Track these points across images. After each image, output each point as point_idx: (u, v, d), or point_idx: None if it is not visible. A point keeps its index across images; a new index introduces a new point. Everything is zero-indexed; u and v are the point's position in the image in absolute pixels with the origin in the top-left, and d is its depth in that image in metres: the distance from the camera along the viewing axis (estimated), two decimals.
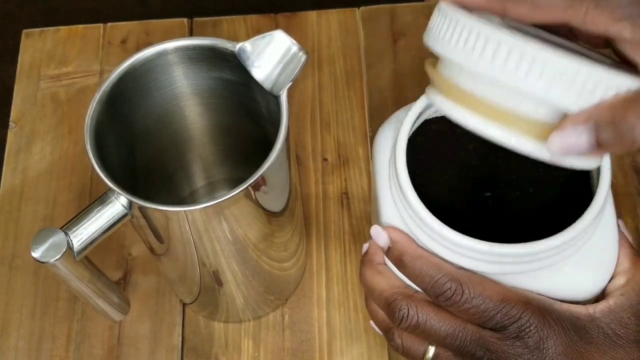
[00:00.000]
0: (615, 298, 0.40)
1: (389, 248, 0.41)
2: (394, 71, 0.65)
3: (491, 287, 0.39)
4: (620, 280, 0.41)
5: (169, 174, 0.54)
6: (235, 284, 0.50)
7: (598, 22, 0.32)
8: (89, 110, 0.42)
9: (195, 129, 0.52)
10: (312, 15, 0.68)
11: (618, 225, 0.43)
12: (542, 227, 0.40)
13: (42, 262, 0.40)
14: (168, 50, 0.45)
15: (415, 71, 0.65)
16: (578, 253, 0.41)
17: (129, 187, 0.41)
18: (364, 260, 0.43)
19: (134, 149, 0.48)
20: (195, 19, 0.68)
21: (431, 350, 0.41)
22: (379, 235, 0.42)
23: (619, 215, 0.56)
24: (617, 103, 0.32)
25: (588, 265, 0.42)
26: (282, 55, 0.42)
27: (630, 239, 0.43)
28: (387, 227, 0.42)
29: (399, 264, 0.41)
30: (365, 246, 0.43)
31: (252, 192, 0.42)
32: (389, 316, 0.41)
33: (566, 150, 0.32)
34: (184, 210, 0.41)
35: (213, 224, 0.43)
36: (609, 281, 0.42)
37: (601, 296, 0.41)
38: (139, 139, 0.48)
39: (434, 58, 0.38)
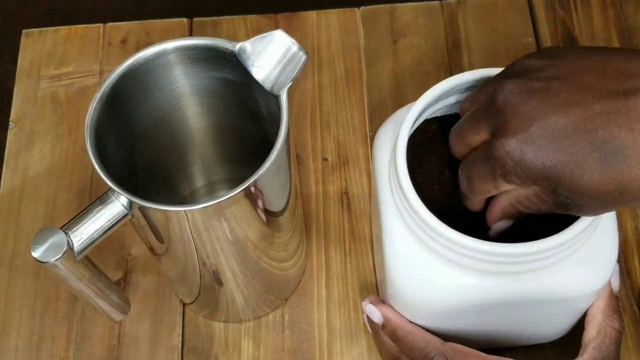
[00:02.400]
0: (589, 353, 0.44)
1: (383, 324, 0.47)
2: (394, 71, 0.65)
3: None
4: (592, 332, 0.45)
5: (169, 173, 0.54)
6: (235, 283, 0.50)
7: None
8: (89, 110, 0.42)
9: (196, 129, 0.52)
10: (312, 15, 0.68)
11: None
12: (543, 226, 0.40)
13: (42, 262, 0.40)
14: (168, 50, 0.45)
15: (415, 71, 0.65)
16: (578, 252, 0.41)
17: (129, 187, 0.41)
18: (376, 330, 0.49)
19: (134, 149, 0.48)
20: (195, 19, 0.68)
21: None
22: (373, 313, 0.48)
23: (619, 215, 0.56)
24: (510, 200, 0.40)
25: (588, 265, 0.42)
26: (282, 55, 0.42)
27: (616, 285, 0.46)
28: (379, 305, 0.47)
29: (394, 337, 0.47)
30: (367, 308, 0.48)
31: (252, 192, 0.42)
32: None
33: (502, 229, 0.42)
34: (184, 210, 0.41)
35: (213, 224, 0.43)
36: (584, 331, 0.45)
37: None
38: (139, 138, 0.48)
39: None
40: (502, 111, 0.37)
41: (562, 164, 0.35)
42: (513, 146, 0.36)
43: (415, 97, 0.43)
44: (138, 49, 0.54)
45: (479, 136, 0.39)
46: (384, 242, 0.44)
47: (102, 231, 0.42)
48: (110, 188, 0.41)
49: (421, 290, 0.43)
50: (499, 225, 0.42)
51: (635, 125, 0.34)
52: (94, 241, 0.42)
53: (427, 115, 0.45)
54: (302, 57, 0.42)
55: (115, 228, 0.42)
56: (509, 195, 0.39)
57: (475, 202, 0.41)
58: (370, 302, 0.48)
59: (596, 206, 0.36)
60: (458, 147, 0.41)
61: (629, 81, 0.35)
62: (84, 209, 0.42)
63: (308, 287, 0.57)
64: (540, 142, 0.35)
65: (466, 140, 0.40)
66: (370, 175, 0.60)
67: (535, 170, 0.36)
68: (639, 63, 0.35)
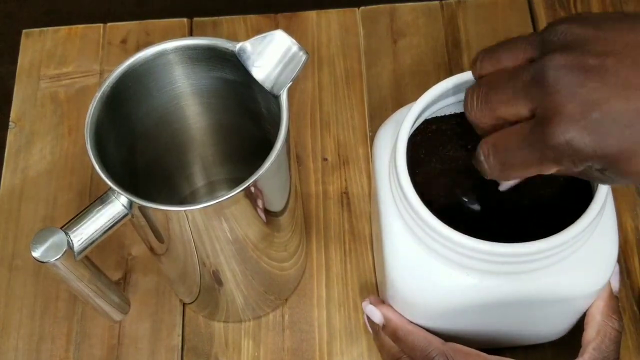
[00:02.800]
0: (588, 353, 0.44)
1: (383, 325, 0.47)
2: (394, 71, 0.65)
3: None
4: (592, 332, 0.45)
5: (169, 173, 0.54)
6: (235, 283, 0.50)
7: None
8: (89, 110, 0.42)
9: (196, 128, 0.52)
10: (312, 15, 0.68)
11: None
12: (543, 226, 0.40)
13: (42, 262, 0.40)
14: (168, 50, 0.45)
15: (415, 71, 0.65)
16: (578, 252, 0.41)
17: (129, 186, 0.41)
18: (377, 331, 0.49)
19: (134, 149, 0.48)
20: (195, 19, 0.68)
21: None
22: (373, 314, 0.48)
23: (619, 215, 0.56)
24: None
25: (588, 265, 0.42)
26: (282, 55, 0.42)
27: (616, 285, 0.46)
28: (379, 306, 0.47)
29: (394, 338, 0.47)
30: (367, 309, 0.48)
31: (252, 192, 0.42)
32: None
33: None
34: (184, 210, 0.41)
35: (213, 224, 0.43)
36: (584, 331, 0.45)
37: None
38: (139, 138, 0.48)
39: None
40: (556, 92, 0.34)
41: (621, 151, 0.33)
42: (573, 134, 0.33)
43: (415, 97, 0.43)
44: (138, 49, 0.54)
45: (514, 111, 0.36)
46: (384, 242, 0.44)
47: (102, 231, 0.42)
48: (110, 188, 0.41)
49: (421, 290, 0.43)
50: (512, 182, 0.40)
51: None
52: (94, 241, 0.42)
53: (427, 115, 0.45)
54: (302, 57, 0.42)
55: (115, 228, 0.42)
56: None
57: (506, 182, 0.39)
58: (371, 303, 0.48)
59: (632, 182, 0.35)
60: (483, 117, 0.37)
61: None
62: (84, 209, 0.42)
63: (308, 287, 0.57)
64: (603, 130, 0.33)
65: (497, 111, 0.36)
66: (370, 175, 0.60)
67: (593, 155, 0.34)
68: None
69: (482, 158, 0.38)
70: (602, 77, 0.33)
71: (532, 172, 0.36)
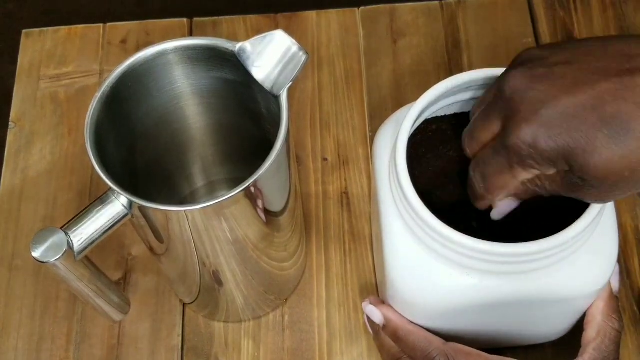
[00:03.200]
0: (588, 353, 0.44)
1: (384, 325, 0.47)
2: (394, 71, 0.65)
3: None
4: (592, 333, 0.45)
5: (169, 173, 0.54)
6: (235, 283, 0.50)
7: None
8: (89, 110, 0.42)
9: (196, 129, 0.52)
10: (312, 15, 0.68)
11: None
12: (543, 226, 0.40)
13: (43, 262, 0.40)
14: (168, 50, 0.45)
15: (415, 71, 0.65)
16: (578, 252, 0.41)
17: (129, 187, 0.41)
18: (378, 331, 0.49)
19: (134, 149, 0.48)
20: (195, 19, 0.68)
21: None
22: (373, 314, 0.48)
23: (619, 215, 0.56)
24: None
25: (588, 265, 0.42)
26: (282, 55, 0.42)
27: (616, 285, 0.46)
28: (379, 306, 0.47)
29: (395, 338, 0.47)
30: (368, 309, 0.48)
31: (252, 192, 0.42)
32: None
33: (505, 213, 0.42)
34: (184, 210, 0.41)
35: (213, 224, 0.43)
36: (584, 331, 0.45)
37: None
38: (139, 138, 0.48)
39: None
40: (510, 99, 0.37)
41: (574, 142, 0.35)
42: (525, 131, 0.36)
43: (415, 97, 0.43)
44: (138, 49, 0.54)
45: (490, 131, 0.39)
46: (384, 242, 0.44)
47: (102, 231, 0.42)
48: (110, 188, 0.41)
49: (421, 290, 0.43)
50: (504, 206, 0.41)
51: None
52: (94, 241, 0.42)
53: (428, 115, 0.45)
54: (302, 57, 0.42)
55: (115, 228, 0.42)
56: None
57: (492, 201, 0.41)
58: (371, 303, 0.48)
59: (606, 188, 0.36)
60: (471, 147, 0.41)
61: (632, 60, 0.36)
62: (84, 209, 0.42)
63: (308, 287, 0.57)
64: (552, 123, 0.36)
65: (479, 138, 0.40)
66: (370, 175, 0.60)
67: (550, 151, 0.36)
68: (638, 44, 0.36)
69: (470, 174, 0.41)
70: (550, 81, 0.36)
71: (507, 180, 0.39)
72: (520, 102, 0.37)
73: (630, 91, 0.35)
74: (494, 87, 0.39)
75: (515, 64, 0.39)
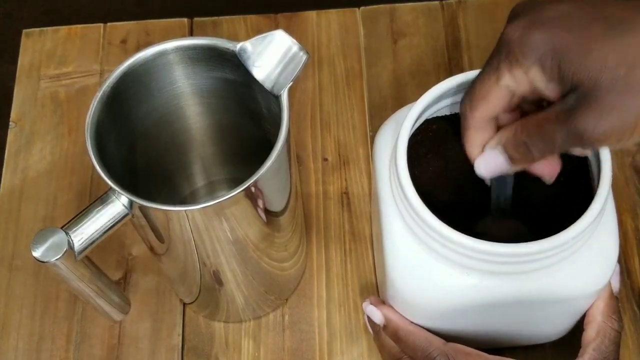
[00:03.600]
0: (588, 354, 0.44)
1: (384, 325, 0.47)
2: (394, 71, 0.65)
3: None
4: (592, 333, 0.45)
5: (169, 173, 0.54)
6: (235, 283, 0.50)
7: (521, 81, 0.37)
8: (90, 110, 0.42)
9: (196, 129, 0.52)
10: (312, 15, 0.68)
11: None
12: (544, 226, 0.40)
13: (43, 262, 0.40)
14: (168, 50, 0.45)
15: (415, 71, 0.65)
16: (578, 252, 0.41)
17: (130, 186, 0.41)
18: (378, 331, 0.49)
19: (134, 149, 0.48)
20: (195, 19, 0.68)
21: None
22: (374, 314, 0.48)
23: (619, 215, 0.56)
24: (516, 127, 0.38)
25: (588, 265, 0.42)
26: (282, 55, 0.42)
27: (616, 286, 0.46)
28: (380, 306, 0.47)
29: (395, 338, 0.47)
30: (368, 309, 0.48)
31: (253, 192, 0.42)
32: None
33: (492, 171, 0.40)
34: (185, 210, 0.41)
35: (213, 224, 0.43)
36: (584, 332, 0.45)
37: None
38: (140, 138, 0.48)
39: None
40: (508, 39, 0.36)
41: (569, 38, 0.34)
42: (518, 28, 0.35)
43: (415, 97, 0.43)
44: (138, 49, 0.54)
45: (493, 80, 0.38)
46: (384, 242, 0.44)
47: (103, 231, 0.42)
48: (110, 188, 0.41)
49: (421, 290, 0.43)
50: (490, 157, 0.39)
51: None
52: (94, 241, 0.42)
53: (428, 115, 0.45)
54: (303, 57, 0.42)
55: (115, 228, 0.42)
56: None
57: (477, 122, 0.39)
58: (371, 303, 0.48)
59: (602, 100, 0.33)
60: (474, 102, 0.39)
61: None
62: (84, 209, 0.42)
63: (308, 287, 0.57)
64: (548, 22, 0.34)
65: (480, 90, 0.38)
66: (370, 175, 0.60)
67: (541, 45, 0.34)
68: None
69: (520, 140, 0.38)
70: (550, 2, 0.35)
71: (491, 85, 0.37)
72: (521, 14, 0.36)
73: (627, 4, 0.34)
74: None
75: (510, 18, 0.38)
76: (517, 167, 0.39)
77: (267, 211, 0.45)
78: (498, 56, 0.36)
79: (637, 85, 0.33)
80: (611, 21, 0.33)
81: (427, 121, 0.46)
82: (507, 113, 0.39)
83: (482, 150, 0.40)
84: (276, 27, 0.51)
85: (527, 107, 0.39)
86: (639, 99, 0.33)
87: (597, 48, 0.33)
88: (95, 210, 0.41)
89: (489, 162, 0.40)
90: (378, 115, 0.63)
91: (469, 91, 0.39)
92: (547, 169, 0.40)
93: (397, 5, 0.68)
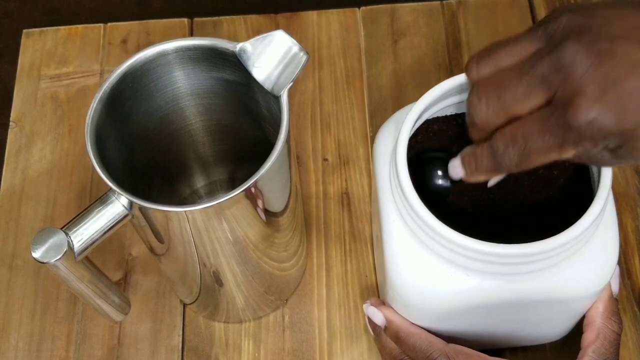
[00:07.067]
0: (588, 356, 0.44)
1: (385, 326, 0.47)
2: (394, 71, 0.65)
3: None
4: (591, 335, 0.45)
5: (169, 174, 0.54)
6: (235, 284, 0.50)
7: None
8: (90, 110, 0.42)
9: (196, 129, 0.52)
10: (312, 16, 0.68)
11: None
12: (544, 227, 0.40)
13: (43, 263, 0.40)
14: (168, 51, 0.45)
15: (415, 71, 0.65)
16: (578, 253, 0.41)
17: (130, 187, 0.41)
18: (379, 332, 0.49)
19: (135, 149, 0.48)
20: (195, 19, 0.68)
21: None
22: (375, 315, 0.48)
23: (619, 215, 0.56)
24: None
25: (588, 266, 0.42)
26: (282, 56, 0.42)
27: (616, 287, 0.46)
28: (380, 307, 0.47)
29: (396, 339, 0.47)
30: (369, 310, 0.48)
31: (253, 193, 0.42)
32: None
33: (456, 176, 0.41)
34: (185, 211, 0.41)
35: (213, 224, 0.42)
36: (583, 333, 0.45)
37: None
38: (140, 139, 0.48)
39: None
40: (576, 76, 0.35)
41: (638, 124, 0.34)
42: (595, 113, 0.34)
43: (415, 97, 0.43)
44: (138, 49, 0.54)
45: (529, 103, 0.37)
46: (384, 242, 0.44)
47: (103, 231, 0.42)
48: (110, 188, 0.41)
49: (421, 291, 0.43)
50: (456, 165, 0.40)
51: None
52: (94, 242, 0.42)
53: (428, 115, 0.45)
54: (303, 57, 0.42)
55: (115, 228, 0.42)
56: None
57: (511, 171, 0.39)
58: (372, 304, 0.48)
59: (636, 160, 0.36)
60: (496, 117, 0.38)
61: None
62: (84, 210, 0.42)
63: (308, 288, 0.57)
64: (620, 106, 0.34)
65: (512, 108, 0.37)
66: (370, 175, 0.60)
67: (613, 132, 0.35)
68: None
69: (499, 151, 0.38)
70: (615, 59, 0.35)
71: (551, 158, 0.37)
72: (589, 81, 0.35)
73: None
74: (543, 58, 0.36)
75: (566, 33, 0.36)
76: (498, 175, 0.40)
77: (267, 212, 0.45)
78: (564, 137, 0.36)
79: None
80: None
81: (427, 121, 0.46)
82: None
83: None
84: (276, 27, 0.51)
85: None
86: None
87: None
88: (95, 210, 0.41)
89: (454, 168, 0.41)
90: (378, 115, 0.63)
91: (519, 150, 0.37)
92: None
93: (397, 5, 0.68)
